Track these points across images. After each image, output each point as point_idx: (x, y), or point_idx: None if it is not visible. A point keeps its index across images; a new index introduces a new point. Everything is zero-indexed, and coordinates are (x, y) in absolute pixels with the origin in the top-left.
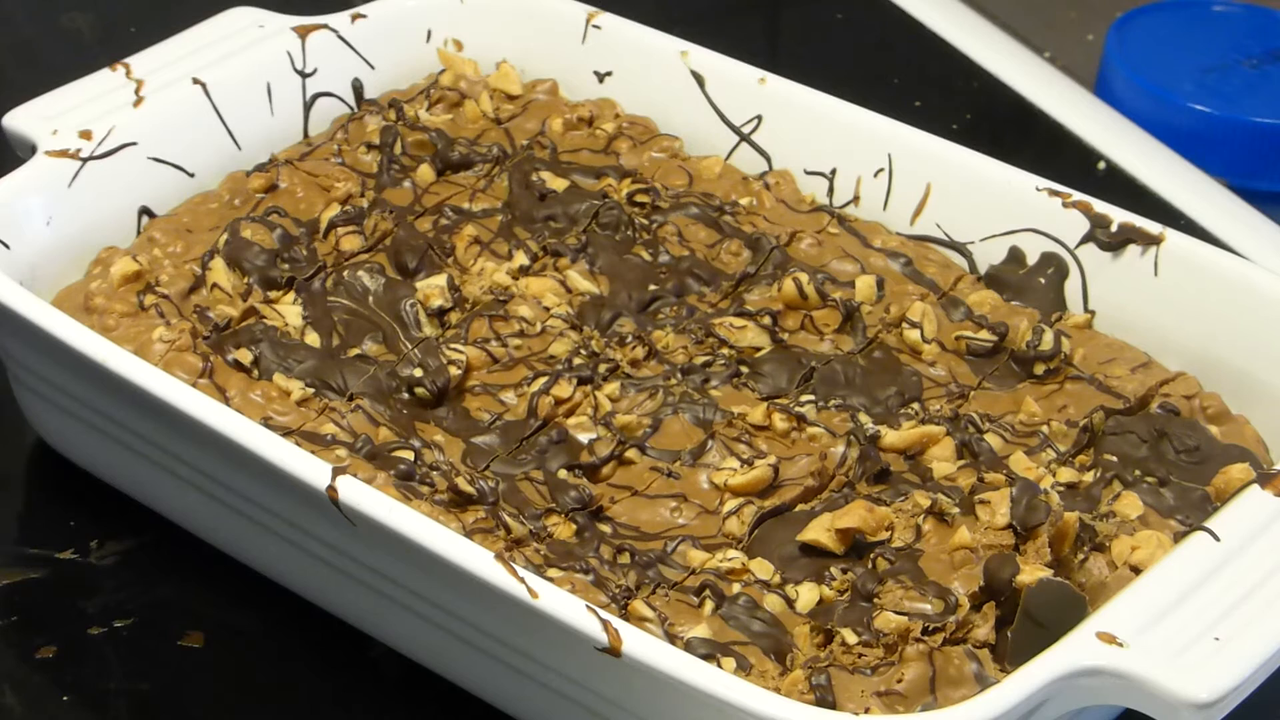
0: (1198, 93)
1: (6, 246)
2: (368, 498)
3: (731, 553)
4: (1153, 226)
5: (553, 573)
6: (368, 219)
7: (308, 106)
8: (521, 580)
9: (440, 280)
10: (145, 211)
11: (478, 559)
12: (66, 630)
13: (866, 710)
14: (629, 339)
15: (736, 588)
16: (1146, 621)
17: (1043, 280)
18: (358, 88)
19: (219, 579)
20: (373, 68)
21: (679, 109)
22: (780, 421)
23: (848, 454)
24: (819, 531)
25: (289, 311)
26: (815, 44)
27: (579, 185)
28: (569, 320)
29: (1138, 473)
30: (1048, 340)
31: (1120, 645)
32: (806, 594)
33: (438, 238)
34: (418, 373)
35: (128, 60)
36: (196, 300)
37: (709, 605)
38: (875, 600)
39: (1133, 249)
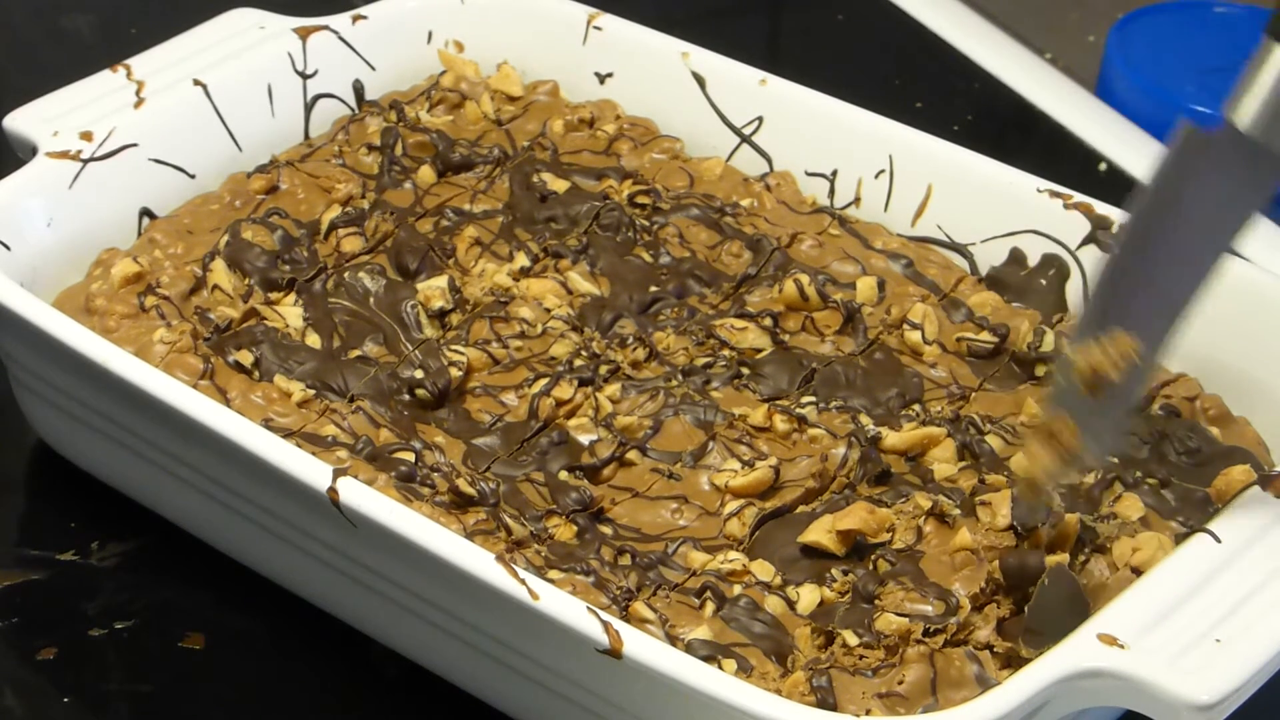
0: (1199, 94)
1: (7, 248)
2: (369, 499)
3: (732, 554)
4: None
5: (553, 574)
6: (369, 220)
7: (309, 108)
8: (522, 582)
9: (441, 282)
10: (146, 213)
11: (479, 561)
12: (67, 632)
13: (868, 712)
14: (630, 340)
15: (737, 589)
16: (1147, 623)
17: (1044, 282)
18: (359, 89)
19: (220, 581)
20: (374, 69)
21: (680, 110)
22: (781, 423)
23: (849, 455)
24: (820, 533)
25: (290, 313)
26: (816, 45)
27: (580, 186)
28: (570, 322)
29: (1139, 474)
30: (1049, 342)
31: (1121, 647)
32: (807, 595)
33: (439, 239)
34: (418, 374)
35: (128, 61)
36: (197, 302)
37: (710, 607)
38: (876, 602)
39: None
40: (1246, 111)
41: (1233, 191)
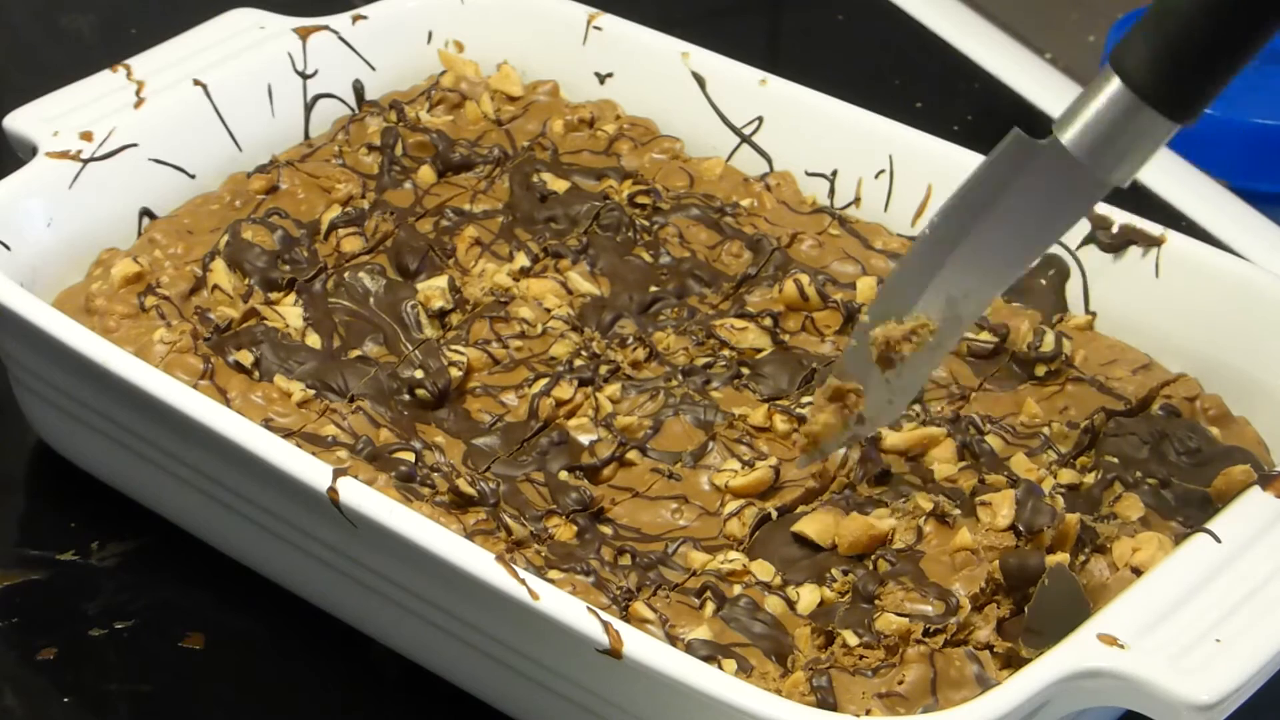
0: None
1: (7, 248)
2: (369, 499)
3: (732, 554)
4: (1154, 228)
5: (554, 574)
6: (369, 220)
7: (309, 108)
8: (522, 582)
9: (441, 282)
10: (146, 213)
11: (479, 561)
12: (67, 632)
13: (868, 712)
14: (630, 340)
15: (737, 589)
16: (1147, 623)
17: (1044, 282)
18: (359, 89)
19: (219, 581)
20: (374, 69)
21: (680, 110)
22: (781, 423)
23: (849, 455)
24: (815, 527)
25: (290, 313)
26: (816, 45)
27: (580, 186)
28: (570, 322)
29: (1139, 474)
30: (1049, 342)
31: (1121, 647)
32: (807, 595)
33: (439, 239)
34: (419, 374)
35: (129, 61)
36: (197, 302)
37: (710, 607)
38: (876, 602)
39: (1134, 250)
40: (1072, 131)
41: (1049, 202)
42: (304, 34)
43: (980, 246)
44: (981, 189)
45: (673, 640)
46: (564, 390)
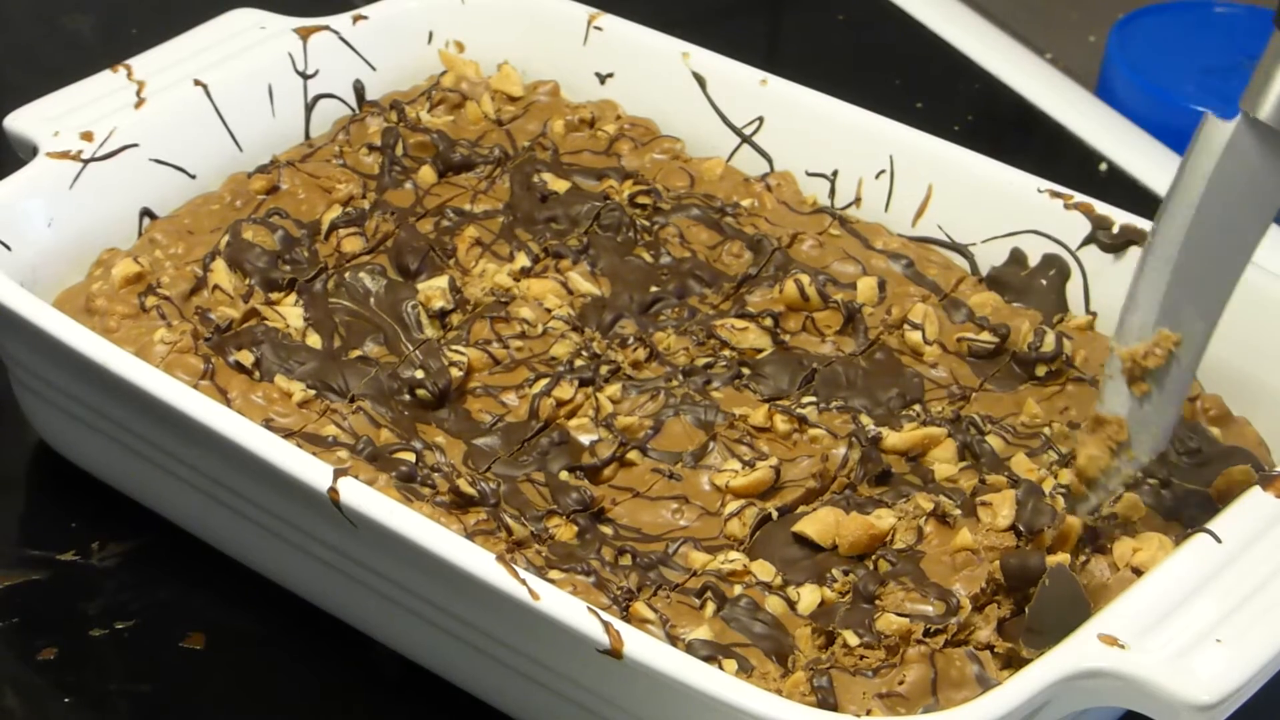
0: (1199, 94)
1: (8, 248)
2: (369, 499)
3: (733, 554)
4: None
5: (554, 574)
6: (369, 220)
7: (309, 108)
8: (523, 582)
9: (441, 282)
10: (146, 213)
11: (479, 561)
12: (68, 632)
13: (868, 712)
14: (630, 340)
15: (738, 589)
16: (1148, 623)
17: (1044, 282)
18: (359, 89)
19: (220, 581)
20: (374, 69)
21: (680, 110)
22: (782, 423)
23: (849, 455)
24: (813, 525)
25: (290, 313)
26: (816, 45)
27: (580, 187)
28: (570, 322)
29: (1139, 474)
30: (1049, 342)
31: (1122, 647)
32: (808, 596)
33: (439, 239)
34: (419, 374)
35: (129, 62)
36: (198, 302)
37: (710, 607)
38: (877, 602)
39: (1134, 251)
40: (1269, 105)
41: (1259, 179)
42: (304, 34)
43: (1201, 244)
44: (1186, 188)
45: (673, 640)
46: (564, 390)
